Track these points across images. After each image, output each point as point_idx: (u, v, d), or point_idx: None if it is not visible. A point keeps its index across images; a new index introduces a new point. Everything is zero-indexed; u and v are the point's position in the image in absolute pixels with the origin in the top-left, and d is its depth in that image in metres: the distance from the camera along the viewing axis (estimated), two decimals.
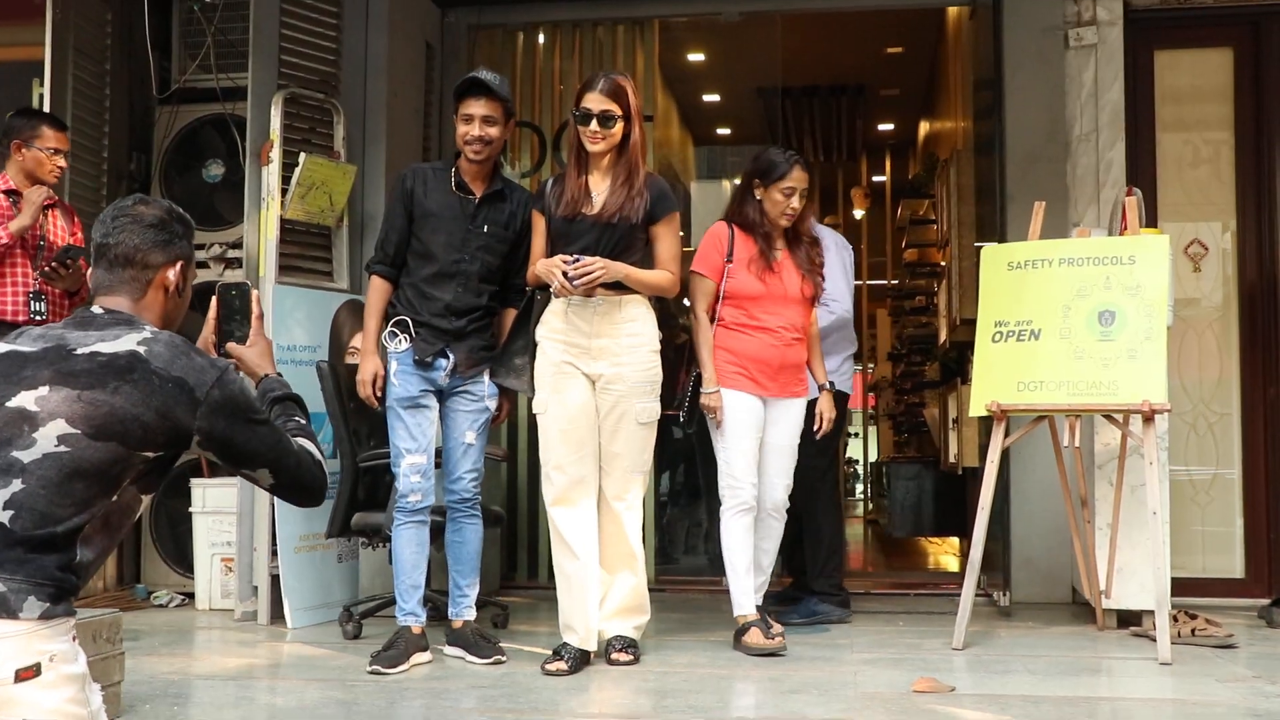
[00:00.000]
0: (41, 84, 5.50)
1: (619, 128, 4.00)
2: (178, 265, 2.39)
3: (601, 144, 4.00)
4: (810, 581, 5.21)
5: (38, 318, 4.64)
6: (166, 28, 6.15)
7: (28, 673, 2.00)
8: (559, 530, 4.06)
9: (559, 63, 6.71)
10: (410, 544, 4.14)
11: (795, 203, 4.48)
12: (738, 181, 5.08)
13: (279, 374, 2.60)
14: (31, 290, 4.65)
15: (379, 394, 4.22)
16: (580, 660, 3.95)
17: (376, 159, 5.79)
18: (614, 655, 4.04)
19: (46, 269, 4.63)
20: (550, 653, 3.98)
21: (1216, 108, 5.96)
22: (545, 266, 3.96)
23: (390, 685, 3.76)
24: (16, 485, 2.06)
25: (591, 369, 4.03)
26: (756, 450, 4.45)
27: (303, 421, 2.50)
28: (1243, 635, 4.72)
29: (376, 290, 4.29)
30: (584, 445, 4.05)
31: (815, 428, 4.66)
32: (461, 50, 6.58)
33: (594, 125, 3.97)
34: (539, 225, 4.17)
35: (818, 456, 4.99)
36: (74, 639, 2.09)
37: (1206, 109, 5.98)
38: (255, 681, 3.92)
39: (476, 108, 4.12)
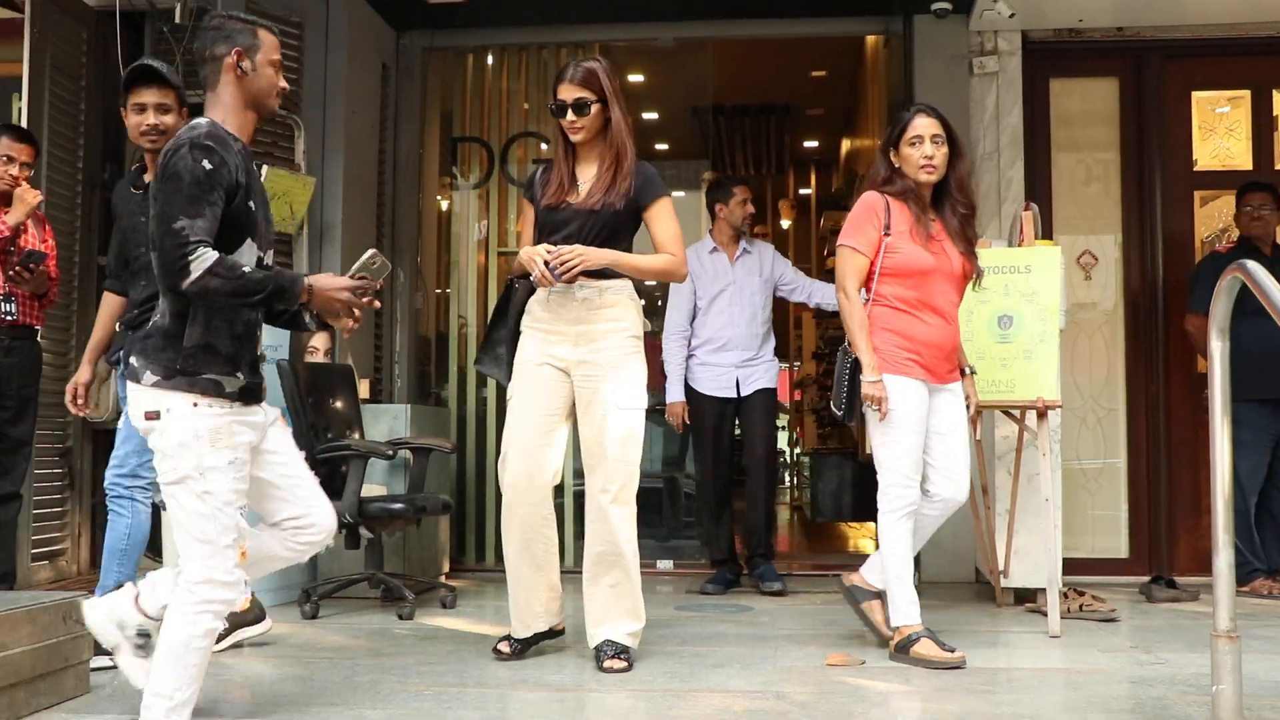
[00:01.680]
0: (20, 99, 5.44)
1: (595, 111, 3.65)
2: (234, 52, 2.91)
3: (581, 132, 3.67)
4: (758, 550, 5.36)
5: (8, 318, 4.56)
6: (138, 47, 6.06)
7: (152, 415, 2.76)
8: (507, 520, 3.69)
9: (506, 82, 6.70)
10: None
11: (927, 149, 3.79)
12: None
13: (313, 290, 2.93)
14: (2, 293, 4.57)
15: (79, 403, 4.03)
16: (526, 645, 3.76)
17: (335, 171, 5.77)
18: (605, 662, 3.55)
19: (12, 273, 4.56)
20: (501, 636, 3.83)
21: (1105, 131, 6.07)
22: (527, 255, 3.59)
23: (343, 662, 3.75)
24: (159, 300, 2.85)
25: (571, 355, 3.65)
26: (923, 445, 3.82)
27: (260, 275, 2.81)
28: (1125, 610, 4.83)
29: (103, 304, 4.09)
30: (546, 438, 3.66)
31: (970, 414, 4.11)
32: (415, 70, 6.56)
33: (569, 115, 3.65)
34: (527, 213, 3.86)
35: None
36: (195, 405, 2.74)
37: (1096, 132, 6.08)
38: (218, 658, 3.86)
39: (149, 96, 3.85)
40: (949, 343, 3.86)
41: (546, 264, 3.51)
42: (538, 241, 3.69)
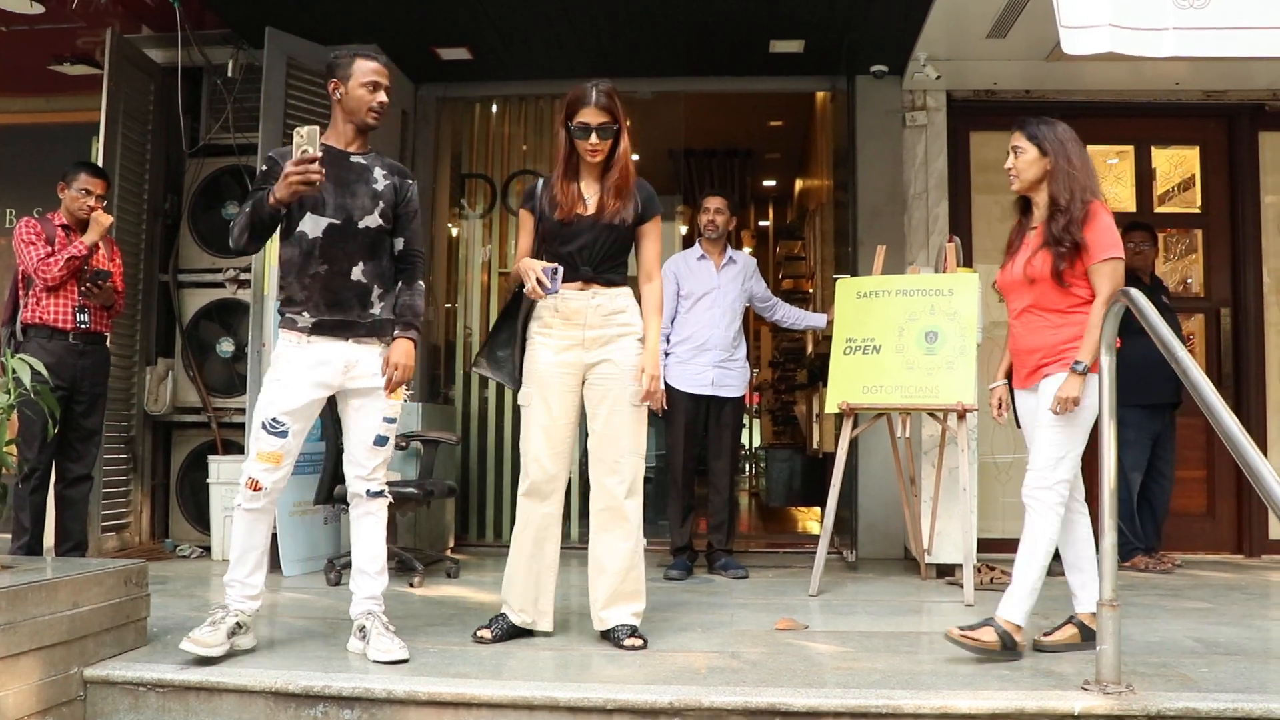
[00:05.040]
0: (98, 141, 5.50)
1: (615, 134, 3.38)
2: (331, 82, 3.21)
3: (601, 155, 3.36)
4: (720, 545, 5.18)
5: (82, 326, 4.57)
6: (196, 97, 6.15)
7: None
8: (524, 521, 3.43)
9: (508, 127, 6.72)
10: None
11: (1008, 162, 3.40)
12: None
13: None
14: (77, 305, 4.58)
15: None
16: (510, 633, 3.45)
17: None
18: (625, 640, 3.33)
19: (83, 289, 4.57)
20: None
21: None
22: (526, 267, 3.30)
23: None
24: None
25: (584, 359, 3.38)
26: (1032, 444, 3.31)
27: (245, 207, 3.12)
28: None
29: None
30: (563, 444, 3.40)
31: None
32: (431, 117, 6.56)
33: (594, 139, 3.33)
34: (527, 223, 3.50)
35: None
36: (284, 338, 3.21)
37: (1008, 178, 6.08)
38: (256, 618, 3.87)
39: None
40: (1022, 347, 3.37)
41: (540, 283, 3.24)
42: (546, 251, 3.45)
